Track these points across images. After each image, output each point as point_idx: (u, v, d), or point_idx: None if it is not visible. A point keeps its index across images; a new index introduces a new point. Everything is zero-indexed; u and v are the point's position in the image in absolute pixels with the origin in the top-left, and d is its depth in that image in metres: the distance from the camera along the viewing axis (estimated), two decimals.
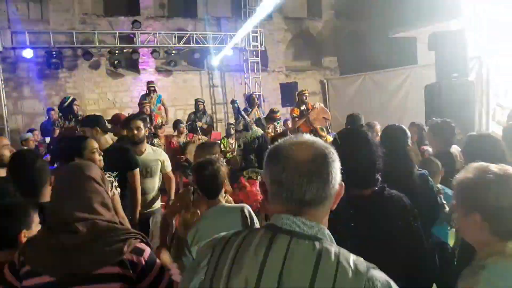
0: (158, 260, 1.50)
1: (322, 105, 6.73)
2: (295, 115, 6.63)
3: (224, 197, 2.36)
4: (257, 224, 2.25)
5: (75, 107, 5.62)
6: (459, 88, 4.25)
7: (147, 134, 6.70)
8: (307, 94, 6.62)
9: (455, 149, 3.14)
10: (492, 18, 6.03)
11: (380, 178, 1.71)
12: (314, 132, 6.10)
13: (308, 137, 1.01)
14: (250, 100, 8.32)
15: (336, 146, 1.93)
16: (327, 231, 0.97)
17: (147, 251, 1.44)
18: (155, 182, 3.62)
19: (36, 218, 1.73)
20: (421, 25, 7.33)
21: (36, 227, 1.70)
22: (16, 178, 2.13)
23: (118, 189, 2.69)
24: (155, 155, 3.63)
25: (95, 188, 1.45)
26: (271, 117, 6.75)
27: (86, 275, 1.32)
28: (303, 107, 6.48)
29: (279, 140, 1.01)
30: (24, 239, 1.63)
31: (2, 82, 8.75)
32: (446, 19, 6.53)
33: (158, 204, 3.70)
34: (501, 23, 5.80)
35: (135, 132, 3.50)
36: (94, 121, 3.38)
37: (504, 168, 1.28)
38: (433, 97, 4.33)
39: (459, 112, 4.04)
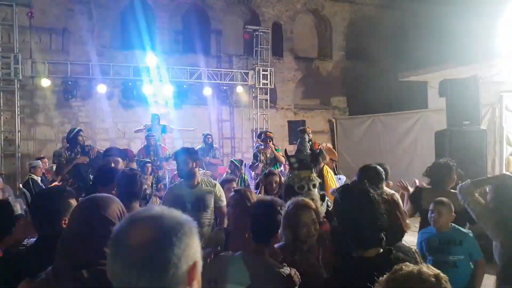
0: None
1: (329, 145, 6.71)
2: None
3: None
4: None
5: (79, 138, 5.68)
6: (470, 136, 4.21)
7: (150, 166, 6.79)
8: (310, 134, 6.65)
9: None
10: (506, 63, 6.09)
11: (384, 237, 1.64)
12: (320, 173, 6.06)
13: (156, 210, 0.86)
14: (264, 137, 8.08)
15: (337, 203, 1.92)
16: None
17: None
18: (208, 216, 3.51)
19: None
20: (432, 70, 7.43)
21: None
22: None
23: None
24: (209, 187, 3.56)
25: (110, 230, 1.37)
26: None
27: None
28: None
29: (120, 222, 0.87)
30: (64, 226, 1.66)
31: (18, 108, 8.94)
32: (457, 65, 6.59)
33: None
34: None
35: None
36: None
37: None
38: (443, 144, 4.28)
39: (470, 160, 3.99)
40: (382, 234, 1.64)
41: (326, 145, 6.50)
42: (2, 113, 8.75)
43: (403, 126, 8.73)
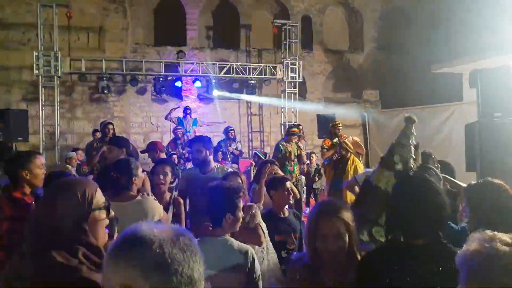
0: None
1: (356, 138, 6.59)
2: (325, 146, 6.56)
3: None
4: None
5: (106, 130, 5.97)
6: (501, 129, 4.02)
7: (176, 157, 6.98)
8: (340, 127, 6.50)
9: None
10: None
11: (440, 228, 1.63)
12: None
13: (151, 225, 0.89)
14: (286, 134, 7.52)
15: (395, 189, 1.83)
16: None
17: None
18: None
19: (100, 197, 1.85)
20: (466, 61, 7.11)
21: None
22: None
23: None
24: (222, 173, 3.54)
25: (77, 213, 1.27)
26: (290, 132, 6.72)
27: None
28: (335, 140, 6.40)
29: None
30: None
31: (58, 103, 9.45)
32: (492, 55, 6.29)
33: None
34: None
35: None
36: (124, 142, 3.57)
37: None
38: (473, 137, 4.13)
39: (501, 154, 3.83)
40: (438, 224, 1.62)
41: (352, 138, 6.41)
42: (43, 108, 9.26)
43: (437, 120, 8.43)
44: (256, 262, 2.21)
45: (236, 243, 2.19)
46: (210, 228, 2.22)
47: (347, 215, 1.80)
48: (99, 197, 1.33)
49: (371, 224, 2.25)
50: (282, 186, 3.23)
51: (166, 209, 3.16)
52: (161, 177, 3.30)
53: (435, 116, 8.50)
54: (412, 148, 2.35)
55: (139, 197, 2.71)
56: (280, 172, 4.18)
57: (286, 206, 3.31)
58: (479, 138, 4.12)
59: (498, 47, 6.39)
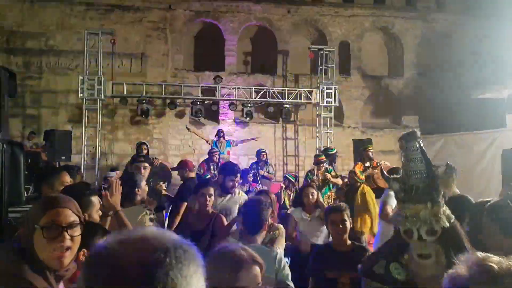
0: None
1: (388, 163, 6.33)
2: (357, 170, 6.36)
3: None
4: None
5: (139, 150, 6.21)
6: None
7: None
8: (372, 151, 6.35)
9: None
10: None
11: None
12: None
13: (149, 231, 0.76)
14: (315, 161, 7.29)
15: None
16: None
17: None
18: None
19: (96, 204, 1.98)
20: (509, 86, 6.71)
21: (96, 213, 1.98)
22: None
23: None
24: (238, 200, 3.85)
25: None
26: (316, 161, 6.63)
27: None
28: (367, 163, 6.21)
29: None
30: (82, 258, 1.73)
31: (100, 125, 9.98)
32: None
33: None
34: None
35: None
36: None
37: None
38: (510, 163, 3.83)
39: None
40: None
41: (383, 163, 6.16)
42: (86, 129, 9.81)
43: (479, 147, 7.96)
44: (283, 262, 2.47)
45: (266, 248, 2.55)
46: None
47: None
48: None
49: (391, 257, 1.95)
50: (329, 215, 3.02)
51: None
52: (207, 198, 3.50)
53: (477, 143, 8.04)
54: (424, 170, 1.82)
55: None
56: (313, 191, 4.12)
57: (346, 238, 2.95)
58: None
59: None
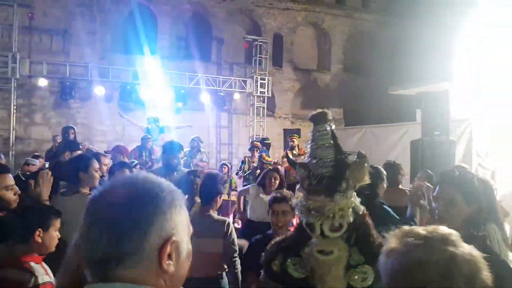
0: None
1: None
2: (288, 155, 6.85)
3: None
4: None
5: (66, 135, 5.89)
6: (440, 145, 4.32)
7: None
8: (295, 139, 6.98)
9: None
10: (484, 82, 6.23)
11: None
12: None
13: (138, 175, 0.81)
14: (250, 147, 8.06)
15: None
16: None
17: None
18: None
19: (56, 224, 1.99)
20: (419, 85, 7.62)
21: (54, 232, 1.98)
22: None
23: None
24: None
25: None
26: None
27: None
28: (295, 151, 6.68)
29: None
30: (38, 238, 1.87)
31: (15, 107, 9.12)
32: (439, 80, 6.88)
33: None
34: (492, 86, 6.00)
35: None
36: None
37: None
38: (417, 152, 4.42)
39: (440, 168, 4.04)
40: None
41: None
42: None
43: (392, 137, 8.90)
44: (232, 228, 2.94)
45: (217, 216, 3.03)
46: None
47: None
48: None
49: (291, 251, 1.76)
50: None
51: None
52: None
53: (391, 134, 8.95)
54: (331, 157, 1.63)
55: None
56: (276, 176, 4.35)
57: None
58: (421, 153, 4.34)
59: (447, 74, 6.93)
